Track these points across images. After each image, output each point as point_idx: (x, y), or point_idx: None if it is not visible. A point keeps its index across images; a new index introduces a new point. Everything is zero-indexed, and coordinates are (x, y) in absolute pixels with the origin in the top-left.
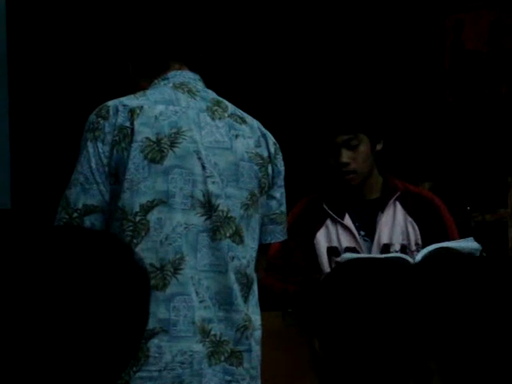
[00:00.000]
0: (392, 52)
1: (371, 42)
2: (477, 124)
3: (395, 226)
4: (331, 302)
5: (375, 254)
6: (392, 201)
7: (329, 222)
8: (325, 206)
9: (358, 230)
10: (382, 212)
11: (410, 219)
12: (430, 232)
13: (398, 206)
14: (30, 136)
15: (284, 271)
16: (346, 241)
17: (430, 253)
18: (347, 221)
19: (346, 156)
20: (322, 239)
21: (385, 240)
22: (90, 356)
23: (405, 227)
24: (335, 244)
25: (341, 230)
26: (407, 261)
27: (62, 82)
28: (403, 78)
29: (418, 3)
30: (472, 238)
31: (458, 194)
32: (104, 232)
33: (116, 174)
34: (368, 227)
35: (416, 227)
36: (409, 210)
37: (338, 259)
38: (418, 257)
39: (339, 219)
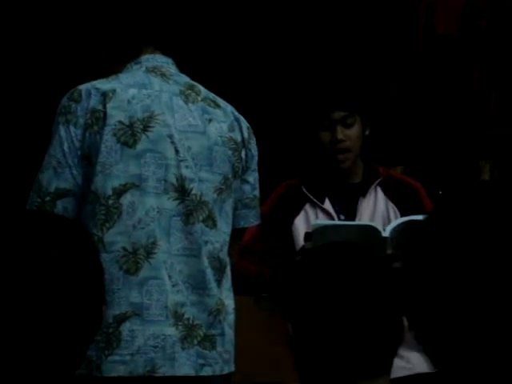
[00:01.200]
0: (366, 36)
1: (345, 27)
2: (449, 108)
3: (376, 211)
4: (303, 286)
5: (346, 222)
6: (374, 186)
7: (308, 206)
8: (304, 190)
9: (338, 214)
10: (364, 197)
11: (391, 204)
12: (409, 215)
13: (379, 192)
14: (2, 117)
15: (260, 256)
16: None
17: (400, 225)
18: (327, 205)
19: (341, 133)
20: (300, 224)
21: None
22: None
23: (386, 212)
24: None
25: (320, 214)
26: (377, 230)
27: (33, 67)
28: (376, 61)
29: None
30: None
31: (430, 178)
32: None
33: (88, 158)
34: (348, 211)
35: (398, 213)
36: (390, 195)
37: (311, 226)
38: (387, 230)
39: (319, 203)
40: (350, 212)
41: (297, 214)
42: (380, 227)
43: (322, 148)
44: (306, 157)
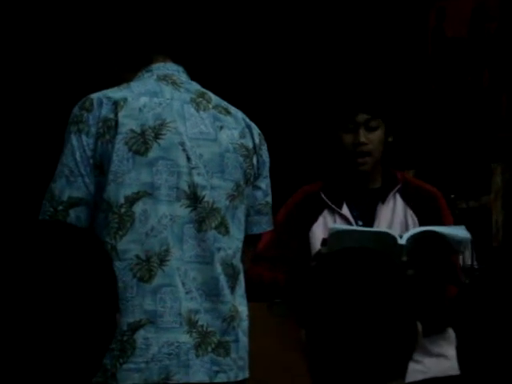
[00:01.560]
0: (376, 40)
1: (355, 31)
2: (460, 111)
3: (394, 217)
4: (317, 291)
5: (365, 228)
6: (393, 192)
7: (326, 212)
8: (323, 196)
9: (356, 219)
10: (383, 203)
11: (410, 212)
12: (427, 224)
13: (399, 198)
14: (12, 127)
15: (274, 262)
16: None
17: (417, 235)
18: (345, 210)
19: (363, 136)
20: (317, 231)
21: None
22: (64, 344)
23: (404, 219)
24: None
25: (338, 220)
26: (394, 237)
27: (44, 76)
28: (386, 65)
29: None
30: (464, 227)
31: (442, 182)
32: (76, 228)
33: (101, 166)
34: (366, 217)
35: (416, 220)
36: (409, 203)
37: (329, 229)
38: (404, 238)
39: (337, 208)
40: (369, 218)
41: (315, 220)
42: (397, 234)
43: (343, 150)
44: (326, 161)
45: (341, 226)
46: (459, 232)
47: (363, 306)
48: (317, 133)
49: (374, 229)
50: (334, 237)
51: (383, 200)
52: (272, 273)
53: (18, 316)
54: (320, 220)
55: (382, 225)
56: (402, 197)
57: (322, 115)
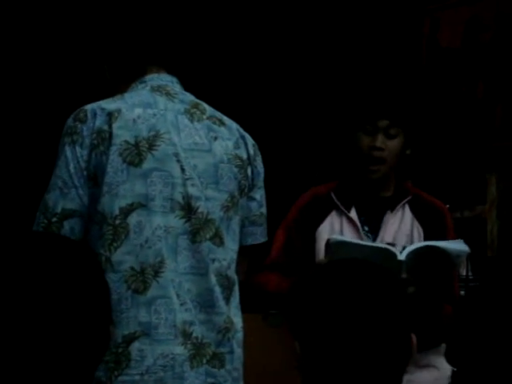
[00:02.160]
0: (371, 50)
1: (349, 41)
2: (454, 121)
3: (401, 228)
4: (311, 304)
5: (364, 241)
6: (403, 203)
7: (334, 213)
8: (333, 196)
9: (362, 224)
10: (391, 212)
11: (417, 224)
12: (432, 239)
13: (407, 210)
14: (7, 138)
15: (287, 268)
16: (348, 233)
17: (417, 253)
18: (353, 213)
19: (381, 141)
20: (323, 232)
21: (389, 239)
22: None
23: (410, 231)
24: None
25: (345, 222)
26: (394, 254)
27: (38, 88)
28: (397, 76)
29: (396, 2)
30: (462, 240)
31: (437, 192)
32: (68, 240)
33: (95, 178)
34: (373, 223)
35: (422, 233)
36: (417, 215)
37: (329, 239)
38: (404, 252)
39: (345, 211)
40: (375, 224)
41: (322, 221)
42: (397, 249)
43: (358, 152)
44: (340, 163)
45: (341, 237)
46: (458, 246)
47: (357, 318)
48: (333, 134)
49: (375, 244)
50: (332, 248)
51: (392, 209)
52: (278, 281)
53: (10, 327)
54: (327, 221)
55: (387, 234)
56: (411, 209)
57: (343, 116)
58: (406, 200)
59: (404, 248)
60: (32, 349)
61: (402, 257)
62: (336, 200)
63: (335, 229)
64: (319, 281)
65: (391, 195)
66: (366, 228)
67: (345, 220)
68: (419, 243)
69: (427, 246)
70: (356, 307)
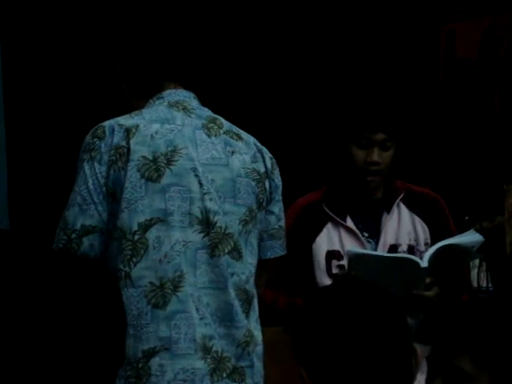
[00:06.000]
0: (386, 63)
1: (365, 54)
2: (472, 133)
3: (401, 227)
4: (314, 331)
5: (383, 252)
6: (397, 202)
7: (330, 225)
8: (325, 209)
9: (361, 231)
10: (388, 213)
11: (417, 219)
12: (437, 229)
13: (403, 207)
14: (28, 156)
15: (290, 284)
16: (349, 243)
17: (436, 254)
18: (349, 223)
19: (378, 155)
20: (322, 243)
21: (391, 241)
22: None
23: (412, 228)
24: (337, 247)
25: (343, 233)
26: (416, 262)
27: (58, 103)
28: (397, 88)
29: (411, 14)
30: (473, 231)
31: (455, 204)
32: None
33: (113, 194)
34: (371, 228)
35: (425, 226)
36: (415, 210)
37: (346, 253)
38: (425, 259)
39: (341, 221)
40: (374, 229)
41: (318, 232)
42: (418, 259)
43: (352, 165)
44: (330, 173)
45: (359, 249)
46: (471, 237)
47: (361, 342)
48: (324, 143)
49: (396, 255)
50: (354, 260)
51: (388, 210)
52: (288, 297)
53: (21, 345)
54: (324, 233)
55: (388, 236)
56: (407, 205)
57: (336, 127)
58: (399, 198)
59: (409, 247)
60: (48, 366)
61: (424, 264)
62: (330, 212)
63: (334, 241)
64: (322, 308)
65: (382, 196)
66: (366, 234)
67: (342, 230)
68: (435, 246)
69: (443, 246)
70: (360, 332)
